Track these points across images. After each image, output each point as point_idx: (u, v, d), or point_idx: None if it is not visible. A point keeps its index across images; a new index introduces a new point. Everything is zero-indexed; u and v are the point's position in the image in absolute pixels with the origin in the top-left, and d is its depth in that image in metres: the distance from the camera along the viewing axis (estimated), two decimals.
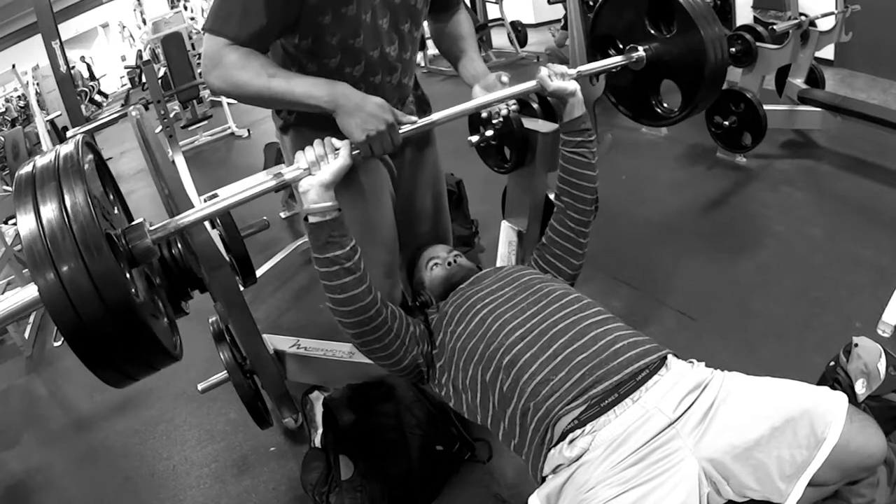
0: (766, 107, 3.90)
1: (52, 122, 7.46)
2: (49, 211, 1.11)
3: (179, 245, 1.85)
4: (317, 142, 1.55)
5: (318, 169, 1.52)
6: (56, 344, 3.85)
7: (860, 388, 1.86)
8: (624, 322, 1.65)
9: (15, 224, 6.07)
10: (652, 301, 2.94)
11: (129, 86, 16.27)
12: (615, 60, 2.13)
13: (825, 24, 4.23)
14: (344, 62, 1.77)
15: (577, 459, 1.41)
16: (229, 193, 1.49)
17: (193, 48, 8.02)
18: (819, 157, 4.15)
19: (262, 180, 1.52)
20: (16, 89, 12.76)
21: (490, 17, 8.96)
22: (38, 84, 9.97)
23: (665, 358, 1.54)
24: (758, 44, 4.27)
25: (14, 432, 3.18)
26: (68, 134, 4.50)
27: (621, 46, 2.25)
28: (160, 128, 4.87)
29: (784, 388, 1.44)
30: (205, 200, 2.54)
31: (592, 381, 1.46)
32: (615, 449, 1.38)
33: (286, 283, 3.89)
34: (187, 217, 1.45)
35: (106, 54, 19.38)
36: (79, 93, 9.76)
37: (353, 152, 1.59)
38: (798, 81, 4.24)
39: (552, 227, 1.97)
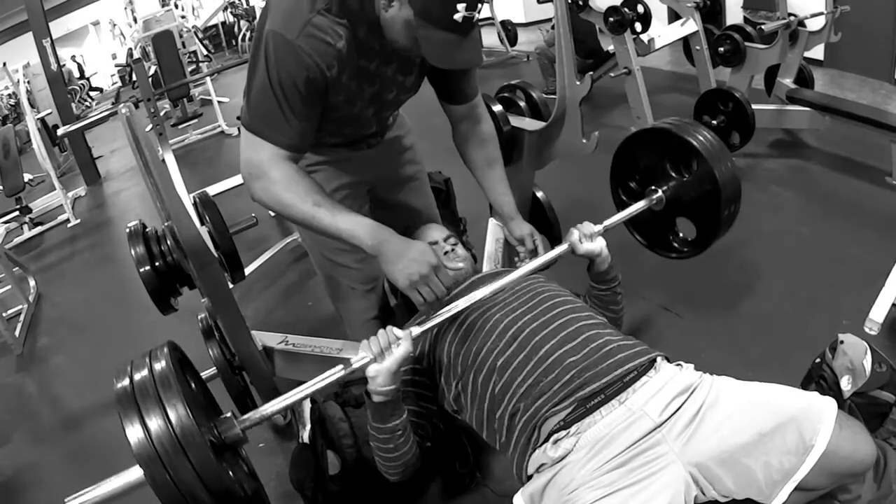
0: (754, 106, 3.92)
1: (42, 120, 7.42)
2: (153, 421, 1.27)
3: (169, 241, 1.86)
4: (381, 332, 1.55)
5: (382, 358, 1.53)
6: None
7: (845, 384, 1.87)
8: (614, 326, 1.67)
9: (6, 223, 6.08)
10: (640, 299, 2.95)
11: (119, 84, 16.19)
12: (639, 206, 2.16)
13: (815, 25, 4.25)
14: (342, 126, 1.86)
15: (561, 460, 1.42)
16: (307, 385, 1.54)
17: (184, 46, 8.03)
18: (808, 156, 4.18)
19: (334, 371, 1.56)
20: (6, 87, 12.72)
21: (481, 16, 8.91)
22: (28, 82, 9.94)
23: (654, 360, 1.55)
24: (746, 43, 4.31)
25: (4, 430, 3.18)
26: (59, 132, 4.49)
27: (638, 185, 2.31)
28: (150, 126, 4.86)
29: (773, 394, 1.45)
30: (193, 199, 2.53)
31: (581, 383, 1.48)
32: (599, 451, 1.39)
33: (275, 281, 3.89)
34: (272, 406, 1.50)
35: (97, 52, 19.31)
36: (69, 91, 9.73)
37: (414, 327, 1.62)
38: (787, 81, 4.27)
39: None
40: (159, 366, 1.39)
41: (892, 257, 2.53)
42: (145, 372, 1.38)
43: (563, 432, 1.44)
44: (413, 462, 1.71)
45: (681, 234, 2.30)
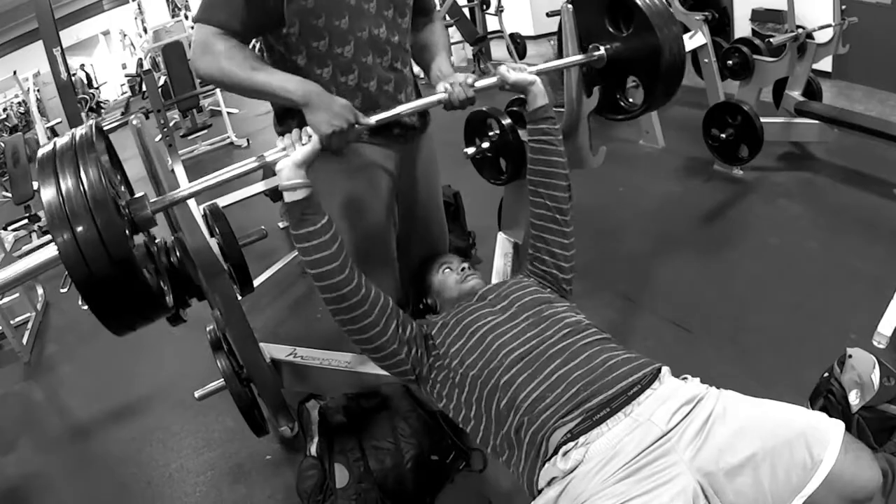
0: (763, 119, 3.91)
1: (52, 129, 7.47)
2: (67, 180, 1.31)
3: (178, 252, 1.87)
4: (294, 130, 1.67)
5: (292, 150, 1.64)
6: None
7: (854, 398, 1.86)
8: (620, 339, 1.68)
9: (15, 231, 6.10)
10: (648, 313, 2.94)
11: (129, 94, 16.27)
12: (576, 59, 2.22)
13: (823, 37, 4.25)
14: (333, 43, 1.85)
15: (571, 472, 1.42)
16: (216, 173, 1.64)
17: None
18: (817, 169, 4.17)
19: (247, 161, 1.67)
20: (16, 96, 12.78)
21: (489, 28, 8.93)
22: (38, 91, 9.99)
23: (658, 372, 1.56)
24: (755, 56, 4.30)
25: (11, 438, 3.18)
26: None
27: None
28: (160, 136, 4.88)
29: (780, 409, 1.45)
30: (203, 210, 2.55)
31: (587, 396, 1.49)
32: (608, 461, 1.39)
33: (284, 293, 3.89)
34: (181, 192, 1.62)
35: (107, 62, 19.41)
36: (79, 100, 9.78)
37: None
38: (795, 94, 4.26)
39: (534, 226, 2.01)
40: (81, 131, 1.47)
41: None
42: (67, 137, 1.45)
43: (572, 444, 1.44)
44: (342, 286, 1.65)
45: (630, 100, 2.32)
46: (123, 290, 1.34)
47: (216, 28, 1.72)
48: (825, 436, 1.34)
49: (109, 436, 2.97)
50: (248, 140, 7.90)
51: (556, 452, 1.45)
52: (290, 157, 1.62)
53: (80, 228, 1.26)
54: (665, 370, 1.58)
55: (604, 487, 1.36)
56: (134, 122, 2.03)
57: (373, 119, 1.82)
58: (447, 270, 2.10)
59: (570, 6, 2.30)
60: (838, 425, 1.37)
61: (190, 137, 7.95)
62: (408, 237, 2.31)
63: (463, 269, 2.08)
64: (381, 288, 1.80)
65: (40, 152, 1.40)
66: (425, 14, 2.18)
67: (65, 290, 3.89)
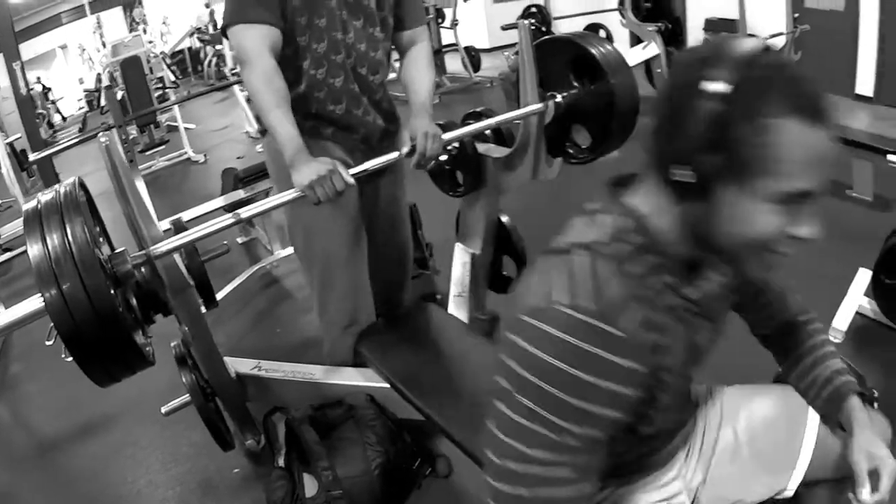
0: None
1: (11, 144, 7.35)
2: (54, 238, 1.38)
3: (143, 269, 1.90)
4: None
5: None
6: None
7: None
8: None
9: None
10: None
11: (86, 109, 16.00)
12: (537, 108, 2.32)
13: (775, 45, 4.38)
14: (311, 40, 2.07)
15: None
16: (196, 228, 1.72)
17: (151, 72, 8.01)
18: None
19: (223, 218, 1.75)
20: None
21: (444, 42, 8.98)
22: None
23: None
24: None
25: None
26: (30, 158, 4.46)
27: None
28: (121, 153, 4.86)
29: (754, 389, 1.50)
30: (170, 224, 2.58)
31: None
32: None
33: (245, 308, 3.93)
34: (161, 247, 1.69)
35: (64, 76, 19.14)
36: (38, 115, 9.66)
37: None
38: None
39: None
40: (66, 188, 1.55)
41: (854, 268, 2.62)
42: (52, 194, 1.53)
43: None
44: None
45: (578, 143, 2.44)
46: (107, 344, 1.42)
47: (253, 26, 1.92)
48: (801, 406, 1.37)
49: (77, 452, 2.96)
50: (205, 155, 7.88)
51: None
52: None
53: (66, 286, 1.34)
54: None
55: None
56: (103, 140, 2.02)
57: (352, 171, 1.96)
58: None
59: (525, 21, 2.38)
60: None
61: (148, 153, 7.90)
62: (372, 243, 2.43)
63: None
64: (354, 296, 1.87)
65: (25, 208, 1.48)
66: (403, 27, 2.28)
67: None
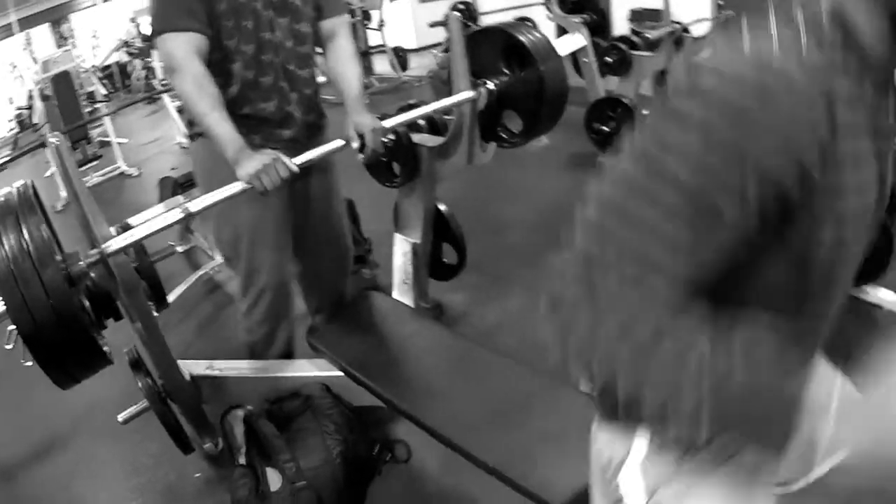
0: (644, 111, 4.15)
1: None
2: (10, 239, 1.42)
3: (94, 271, 1.91)
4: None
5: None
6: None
7: None
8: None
9: None
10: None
11: (17, 129, 15.39)
12: (469, 96, 2.39)
13: (699, 30, 4.53)
14: (240, 42, 2.12)
15: None
16: (146, 224, 1.79)
17: (81, 87, 7.86)
18: None
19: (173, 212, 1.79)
20: None
21: (371, 43, 8.98)
22: None
23: None
24: (632, 52, 4.57)
25: None
26: None
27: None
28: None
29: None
30: (116, 231, 2.57)
31: None
32: None
33: (191, 313, 3.92)
34: (113, 244, 1.73)
35: None
36: None
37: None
38: None
39: None
40: (21, 189, 1.60)
41: None
42: (4, 197, 1.58)
43: None
44: None
45: (510, 128, 2.54)
46: (69, 343, 1.46)
47: (180, 34, 1.97)
48: None
49: (35, 474, 2.89)
50: (138, 169, 7.78)
51: None
52: None
53: (26, 289, 1.38)
54: None
55: None
56: (54, 141, 1.99)
57: (296, 160, 2.05)
58: None
59: (456, 13, 2.46)
60: None
61: (82, 169, 7.74)
62: (307, 246, 2.50)
63: None
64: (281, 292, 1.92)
65: None
66: (322, 16, 2.33)
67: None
